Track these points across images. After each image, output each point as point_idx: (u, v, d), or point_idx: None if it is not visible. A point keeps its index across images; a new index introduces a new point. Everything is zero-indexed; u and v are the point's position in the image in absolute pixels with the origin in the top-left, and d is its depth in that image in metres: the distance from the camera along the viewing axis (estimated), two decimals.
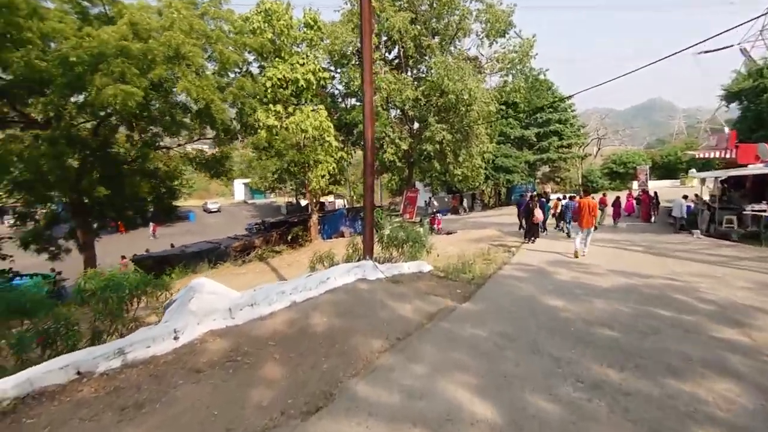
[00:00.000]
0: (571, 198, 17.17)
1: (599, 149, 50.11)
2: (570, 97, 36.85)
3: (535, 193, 15.80)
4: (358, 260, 7.91)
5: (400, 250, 9.76)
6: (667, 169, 41.28)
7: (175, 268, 16.72)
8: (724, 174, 17.29)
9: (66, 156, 9.83)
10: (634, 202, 24.07)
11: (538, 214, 13.89)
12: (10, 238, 13.04)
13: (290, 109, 14.46)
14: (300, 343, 4.19)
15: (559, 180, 46.58)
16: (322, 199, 37.99)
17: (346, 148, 17.66)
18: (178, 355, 3.75)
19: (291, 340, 4.25)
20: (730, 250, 11.73)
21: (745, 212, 16.20)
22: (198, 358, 3.69)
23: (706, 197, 20.58)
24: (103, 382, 3.13)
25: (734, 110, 30.11)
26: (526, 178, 34.41)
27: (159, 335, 3.86)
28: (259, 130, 13.90)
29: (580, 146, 43.72)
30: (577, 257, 10.45)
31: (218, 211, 54.18)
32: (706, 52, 51.29)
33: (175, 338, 3.95)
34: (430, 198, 39.56)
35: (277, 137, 13.92)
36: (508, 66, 17.98)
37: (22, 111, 10.35)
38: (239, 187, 62.09)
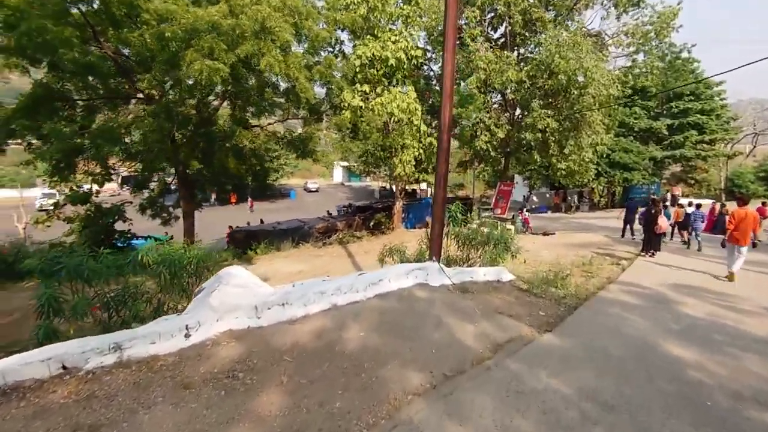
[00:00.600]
0: (698, 206, 14.25)
1: (754, 147, 40.47)
2: (715, 76, 29.95)
3: (660, 196, 12.88)
4: (427, 260, 6.92)
5: (478, 251, 8.48)
6: None
7: (261, 243, 17.63)
8: None
9: (165, 130, 10.64)
10: None
11: (663, 222, 11.20)
12: (131, 203, 14.82)
13: (379, 90, 13.78)
14: (320, 363, 3.42)
15: (693, 182, 38.94)
16: (414, 187, 37.41)
17: (436, 134, 16.48)
18: (181, 358, 3.27)
19: (312, 358, 3.50)
20: None
21: None
22: (198, 366, 3.16)
23: None
24: (83, 384, 2.75)
25: None
26: (650, 178, 29.16)
27: (168, 330, 3.42)
28: (343, 111, 13.52)
29: (728, 143, 35.76)
30: (732, 280, 8.53)
31: (317, 191, 57.23)
32: None
33: (186, 336, 3.49)
34: (529, 193, 36.28)
35: (362, 119, 13.42)
36: (640, 42, 14.69)
37: (137, 88, 11.45)
38: (338, 170, 64.89)
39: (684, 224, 13.88)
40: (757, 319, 5.90)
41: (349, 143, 16.18)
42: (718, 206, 17.89)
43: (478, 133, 15.83)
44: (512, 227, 17.01)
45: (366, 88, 13.26)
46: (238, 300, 3.97)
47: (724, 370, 4.10)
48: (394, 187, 33.26)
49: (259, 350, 3.50)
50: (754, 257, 11.84)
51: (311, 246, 17.11)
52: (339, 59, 13.91)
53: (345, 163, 55.41)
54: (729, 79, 24.02)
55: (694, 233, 13.17)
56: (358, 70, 13.43)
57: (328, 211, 22.41)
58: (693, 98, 29.17)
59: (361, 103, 13.18)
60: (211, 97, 13.01)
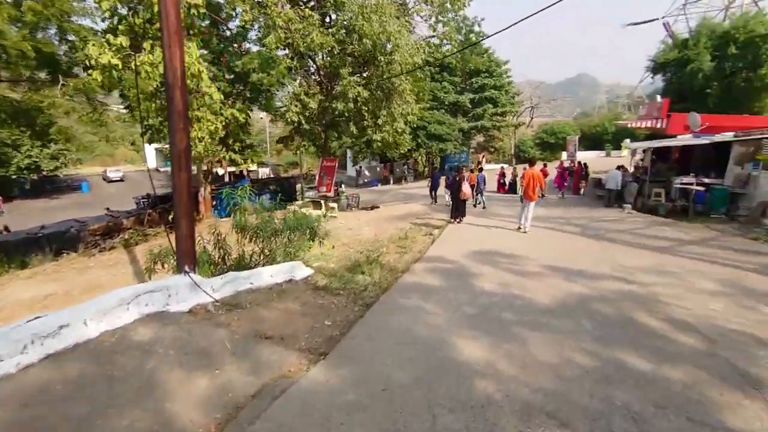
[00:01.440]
0: (480, 170, 16.92)
1: (532, 119, 50.01)
2: (489, 37, 35.16)
3: (462, 165, 13.63)
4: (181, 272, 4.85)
5: (270, 243, 6.82)
6: (594, 141, 41.98)
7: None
8: (657, 144, 16.34)
9: None
10: (566, 173, 23.19)
11: (467, 189, 11.65)
12: None
13: (146, 45, 10.43)
14: None
15: (493, 150, 45.90)
16: (246, 168, 33.45)
17: (239, 105, 13.93)
18: None
19: None
20: (670, 230, 10.35)
21: (677, 185, 15.44)
22: None
23: (631, 169, 19.99)
24: None
25: (658, 83, 30.22)
26: (459, 147, 32.63)
27: None
28: (91, 71, 9.81)
29: (515, 115, 42.93)
30: (524, 232, 9.91)
31: (121, 180, 47.27)
32: (633, 24, 52.80)
33: None
34: (360, 167, 36.70)
35: (122, 82, 9.99)
36: (438, 11, 15.06)
37: None
38: (151, 153, 54.27)
39: (477, 187, 15.50)
40: (540, 282, 5.89)
41: (100, 115, 12.27)
42: (507, 169, 20.96)
43: (287, 103, 14.02)
44: (335, 205, 16.13)
45: (121, 40, 9.77)
46: None
47: (512, 367, 3.44)
48: (221, 170, 28.84)
49: None
50: (541, 212, 13.78)
51: (80, 255, 12.79)
52: None
53: (157, 145, 46.54)
54: (513, 61, 28.02)
55: (480, 194, 14.96)
56: (107, 15, 9.79)
57: (107, 208, 17.53)
58: (487, 75, 33.41)
59: (117, 61, 9.71)
60: None
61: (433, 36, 15.10)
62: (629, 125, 18.39)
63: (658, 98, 18.47)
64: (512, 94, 36.11)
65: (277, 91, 14.62)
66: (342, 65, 13.99)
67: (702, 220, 12.43)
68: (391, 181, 33.36)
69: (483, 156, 39.34)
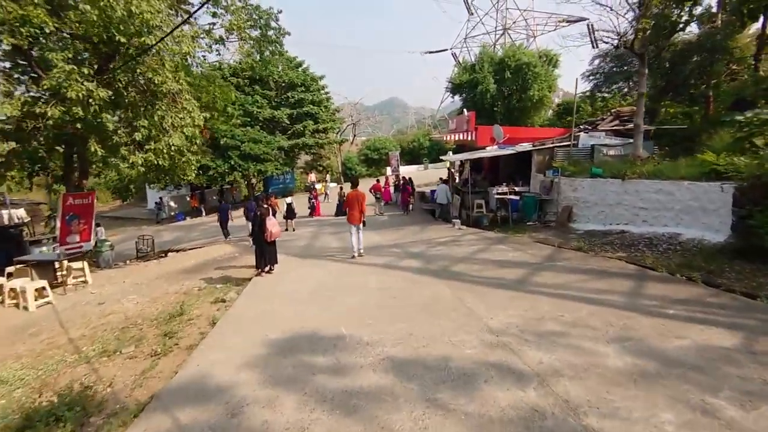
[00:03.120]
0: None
1: (355, 136, 50.55)
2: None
3: (266, 195, 10.29)
4: None
5: None
6: (412, 155, 44.56)
7: None
8: (476, 155, 16.44)
9: None
10: (392, 189, 22.39)
11: (272, 226, 8.26)
12: None
13: None
14: None
15: (321, 168, 44.09)
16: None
17: None
18: None
19: None
20: (510, 251, 9.22)
21: (495, 195, 15.62)
22: None
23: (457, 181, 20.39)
24: None
25: (458, 102, 33.45)
26: (282, 168, 29.18)
27: None
28: None
29: (337, 132, 42.09)
30: (355, 258, 9.03)
31: None
32: (430, 52, 59.63)
33: None
34: (161, 199, 29.35)
35: None
36: None
37: None
38: None
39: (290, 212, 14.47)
40: (381, 407, 3.06)
41: None
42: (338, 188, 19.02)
43: None
44: (83, 265, 10.52)
45: None
46: None
47: None
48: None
49: None
50: (375, 239, 11.54)
51: None
52: None
53: None
54: (331, 80, 26.34)
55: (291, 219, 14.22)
56: None
57: None
58: (304, 89, 31.13)
59: None
60: None
61: (215, 23, 11.33)
62: (445, 138, 18.26)
63: (465, 112, 19.04)
64: (332, 111, 34.83)
65: None
66: (64, 49, 8.87)
67: (523, 230, 12.23)
68: (203, 213, 27.45)
69: (309, 175, 37.00)
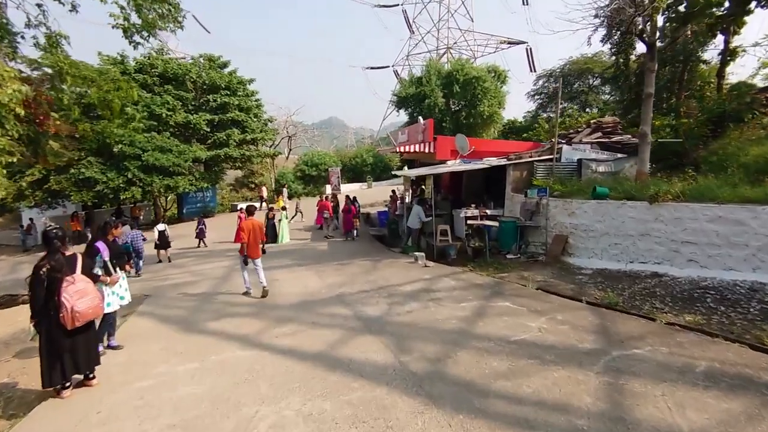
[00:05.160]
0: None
1: (290, 150, 46.12)
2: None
3: (116, 221, 6.11)
4: None
5: None
6: (354, 172, 41.13)
7: None
8: (432, 171, 13.32)
9: None
10: (332, 211, 18.56)
11: (78, 297, 4.13)
12: None
13: None
14: None
15: (254, 186, 39.02)
16: None
17: None
18: None
19: None
20: (533, 319, 5.94)
21: (466, 219, 12.59)
22: None
23: (408, 200, 17.23)
24: None
25: (403, 117, 30.82)
26: (199, 183, 24.05)
27: None
28: None
29: (270, 144, 37.54)
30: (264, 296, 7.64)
31: None
32: (371, 68, 57.63)
33: None
34: (31, 221, 22.77)
35: None
36: None
37: None
38: None
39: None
40: None
41: None
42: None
43: None
44: None
45: None
46: None
47: None
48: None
49: None
50: (314, 284, 7.60)
51: None
52: None
53: None
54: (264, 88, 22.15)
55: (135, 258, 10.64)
56: None
57: None
58: (229, 93, 26.56)
59: None
60: None
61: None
62: (397, 149, 15.01)
63: (421, 120, 16.06)
64: (264, 120, 30.37)
65: None
66: None
67: (506, 266, 9.22)
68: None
69: (261, 191, 32.52)
